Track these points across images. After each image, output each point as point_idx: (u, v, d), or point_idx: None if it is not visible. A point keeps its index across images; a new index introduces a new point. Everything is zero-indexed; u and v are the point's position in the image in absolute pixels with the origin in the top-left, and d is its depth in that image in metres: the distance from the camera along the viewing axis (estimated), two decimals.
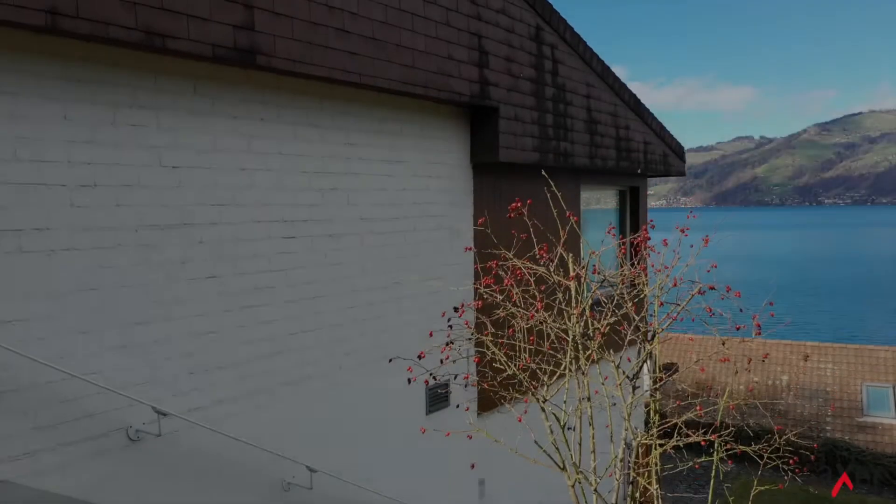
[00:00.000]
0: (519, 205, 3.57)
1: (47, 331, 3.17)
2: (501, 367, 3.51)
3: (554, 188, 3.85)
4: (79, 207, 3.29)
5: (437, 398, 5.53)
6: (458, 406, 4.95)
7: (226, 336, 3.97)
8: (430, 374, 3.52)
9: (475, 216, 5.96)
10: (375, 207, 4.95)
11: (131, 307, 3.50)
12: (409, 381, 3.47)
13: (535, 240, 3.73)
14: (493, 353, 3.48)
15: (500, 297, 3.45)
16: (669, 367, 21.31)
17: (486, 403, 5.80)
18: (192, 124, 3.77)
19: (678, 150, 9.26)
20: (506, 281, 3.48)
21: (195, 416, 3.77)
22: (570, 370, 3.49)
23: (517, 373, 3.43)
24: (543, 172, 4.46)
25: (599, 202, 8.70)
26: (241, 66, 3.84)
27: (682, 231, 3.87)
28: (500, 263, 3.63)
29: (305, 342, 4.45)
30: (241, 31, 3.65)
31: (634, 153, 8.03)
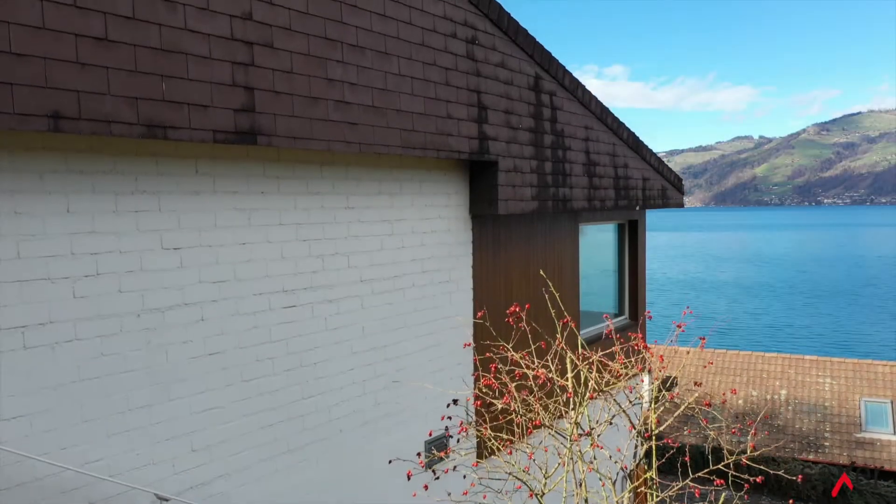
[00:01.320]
0: (517, 309, 3.60)
1: (49, 424, 3.21)
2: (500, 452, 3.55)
3: (551, 288, 3.86)
4: (82, 298, 3.33)
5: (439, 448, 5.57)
6: (455, 468, 4.98)
7: (227, 410, 4.00)
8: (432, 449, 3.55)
9: (474, 266, 5.99)
10: (375, 268, 4.99)
11: (133, 392, 3.54)
12: (407, 476, 3.50)
13: (531, 335, 3.76)
14: (493, 444, 3.51)
15: (499, 403, 3.49)
16: (668, 382, 21.37)
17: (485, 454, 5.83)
18: (194, 204, 3.80)
19: (676, 183, 9.30)
20: (505, 399, 3.51)
21: (197, 492, 3.81)
22: (565, 464, 3.52)
23: (518, 469, 3.47)
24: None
25: (599, 234, 8.74)
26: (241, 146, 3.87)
27: (679, 327, 3.89)
28: (499, 355, 3.66)
29: (306, 408, 4.49)
30: (242, 113, 3.68)
31: (633, 190, 8.07)
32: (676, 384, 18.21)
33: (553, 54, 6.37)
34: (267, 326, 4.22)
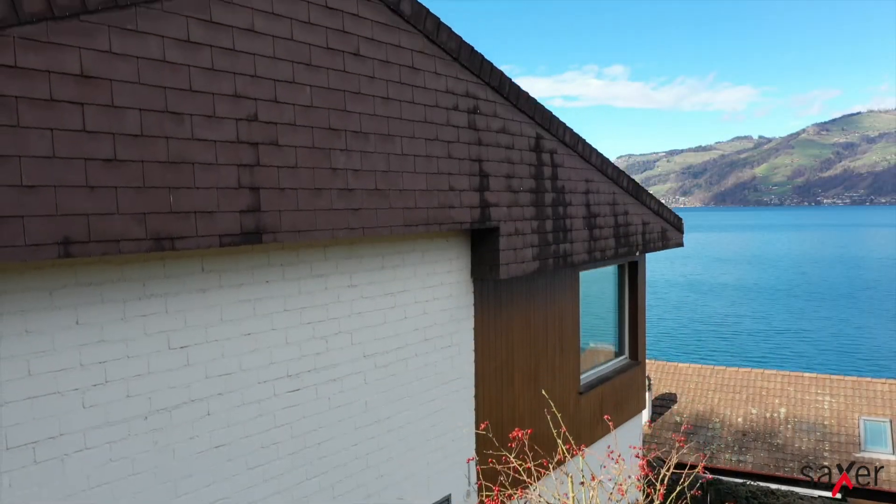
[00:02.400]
0: (519, 434, 3.64)
1: None
2: None
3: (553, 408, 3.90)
4: (91, 407, 3.38)
5: None
6: None
7: (233, 500, 4.05)
8: None
9: (476, 328, 6.05)
10: (377, 342, 5.04)
11: (141, 493, 3.58)
12: None
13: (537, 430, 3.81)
14: None
15: None
16: (667, 398, 21.42)
17: None
18: (200, 302, 3.85)
19: (676, 224, 9.35)
20: None
21: None
22: None
23: None
24: None
25: (599, 273, 8.78)
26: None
27: (681, 442, 3.93)
28: (504, 468, 3.71)
29: (310, 488, 4.54)
30: (248, 214, 3.73)
31: (633, 236, 8.12)
32: (676, 401, 18.37)
33: (553, 113, 6.43)
34: (272, 413, 4.27)
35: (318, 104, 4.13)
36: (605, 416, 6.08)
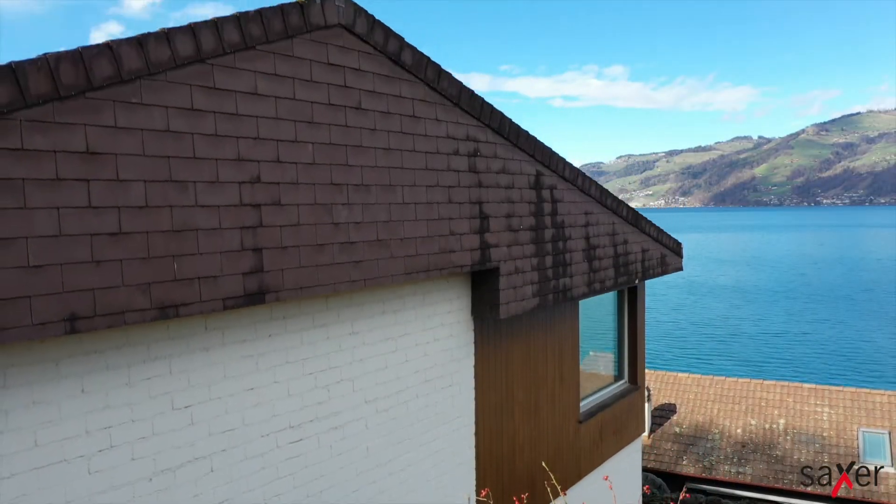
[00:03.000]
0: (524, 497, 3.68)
1: None
2: None
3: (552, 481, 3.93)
4: (96, 472, 3.41)
5: None
6: None
7: None
8: None
9: (476, 365, 6.09)
10: (379, 386, 5.08)
11: None
12: None
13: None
14: None
15: None
16: (667, 409, 21.46)
17: None
18: (204, 361, 3.89)
19: (676, 248, 9.39)
20: None
21: None
22: None
23: None
24: None
25: (598, 302, 8.82)
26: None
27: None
28: None
29: None
30: (251, 275, 3.77)
31: (632, 264, 8.16)
32: (675, 411, 18.48)
33: (553, 150, 6.47)
34: (274, 465, 4.31)
35: (320, 161, 4.17)
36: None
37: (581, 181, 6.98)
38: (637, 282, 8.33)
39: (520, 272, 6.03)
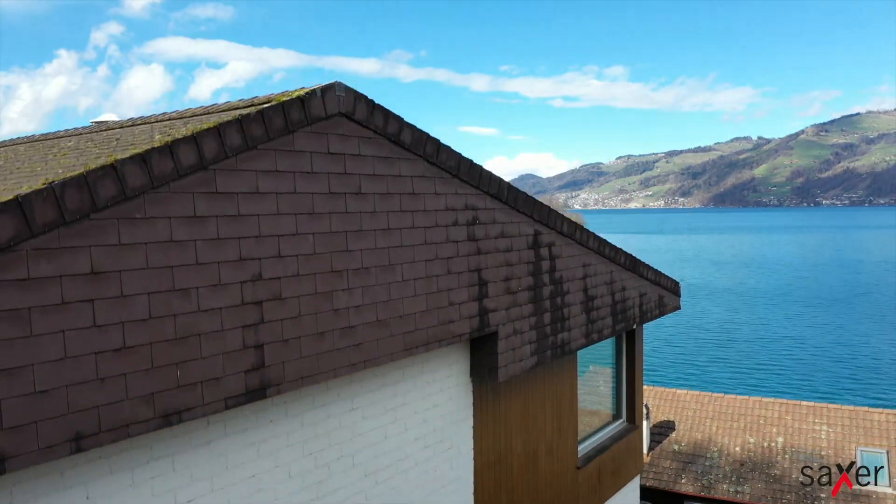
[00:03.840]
0: None
1: None
2: None
3: None
4: None
5: None
6: None
7: None
8: None
9: (475, 426, 6.14)
10: (379, 458, 5.13)
11: None
12: None
13: None
14: None
15: None
16: (666, 426, 21.52)
17: None
18: (206, 454, 3.94)
19: (674, 288, 9.45)
20: None
21: None
22: None
23: None
24: None
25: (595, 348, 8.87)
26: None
27: None
28: None
29: None
30: (252, 373, 3.82)
31: (630, 310, 8.22)
32: (675, 429, 18.54)
33: (551, 208, 6.51)
34: None
35: (320, 250, 4.22)
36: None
37: (579, 234, 7.03)
38: (635, 326, 8.38)
39: (518, 333, 6.08)
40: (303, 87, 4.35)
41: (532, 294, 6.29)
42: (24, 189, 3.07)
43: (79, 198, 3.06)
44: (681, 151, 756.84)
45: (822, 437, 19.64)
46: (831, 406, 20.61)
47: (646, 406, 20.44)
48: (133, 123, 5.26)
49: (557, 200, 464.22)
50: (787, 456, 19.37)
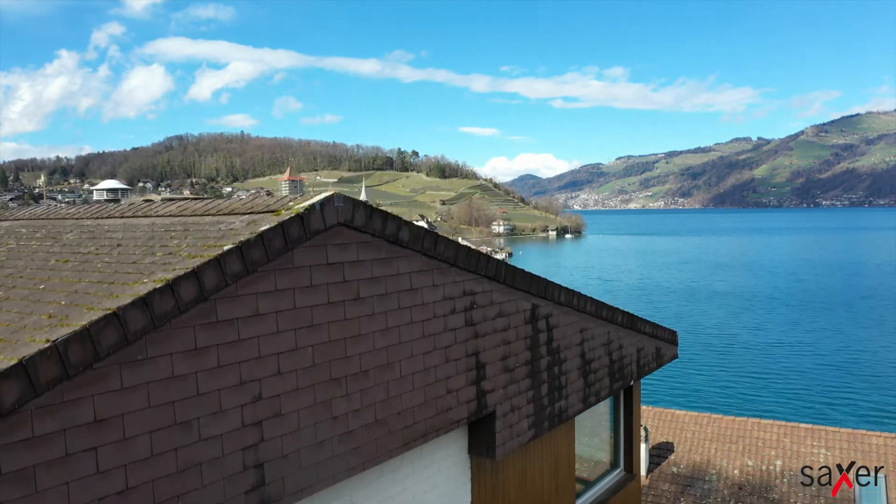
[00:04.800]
0: None
1: None
2: None
3: None
4: None
5: None
6: None
7: None
8: None
9: (473, 500, 6.19)
10: None
11: None
12: None
13: None
14: None
15: None
16: (665, 448, 21.57)
17: None
18: None
19: (671, 338, 9.50)
20: None
21: None
22: None
23: None
24: None
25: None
26: None
27: None
28: None
29: None
30: (253, 493, 3.87)
31: (628, 367, 8.27)
32: (673, 450, 18.50)
33: (549, 280, 6.57)
34: None
35: (319, 361, 4.28)
36: None
37: (576, 301, 7.09)
38: (633, 382, 8.44)
39: (516, 409, 6.14)
40: (304, 196, 4.42)
41: (529, 368, 6.34)
42: (27, 339, 3.13)
43: (81, 351, 3.11)
44: (681, 152, 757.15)
45: (821, 459, 19.67)
46: (829, 429, 20.65)
47: (644, 428, 20.48)
48: (134, 214, 5.30)
49: (557, 201, 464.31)
50: (785, 480, 19.42)
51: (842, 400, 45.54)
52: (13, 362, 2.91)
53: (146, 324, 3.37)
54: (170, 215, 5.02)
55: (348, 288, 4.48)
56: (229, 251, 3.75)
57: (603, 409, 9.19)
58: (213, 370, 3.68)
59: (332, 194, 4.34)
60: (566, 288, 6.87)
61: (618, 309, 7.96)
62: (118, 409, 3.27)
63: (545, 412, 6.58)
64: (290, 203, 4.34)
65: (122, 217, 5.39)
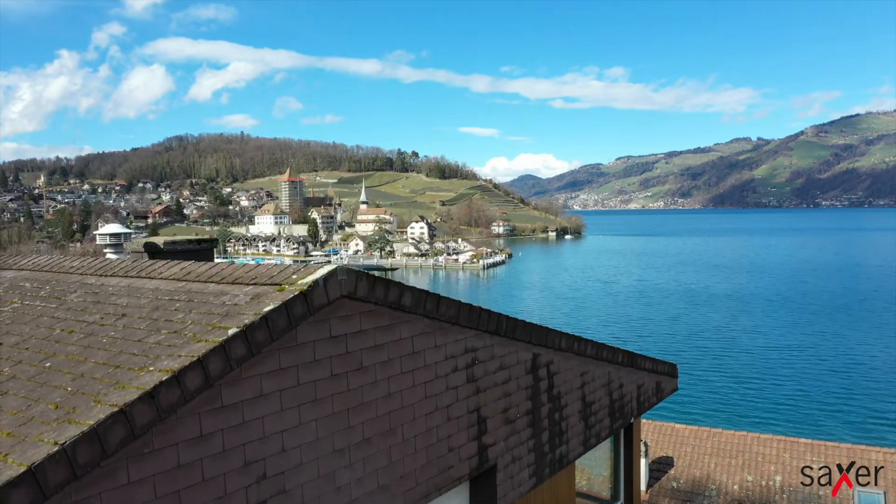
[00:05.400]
0: None
1: None
2: None
3: None
4: None
5: None
6: None
7: None
8: None
9: None
10: None
11: None
12: None
13: None
14: None
15: None
16: (664, 462, 21.61)
17: None
18: None
19: (671, 371, 9.54)
20: None
21: None
22: None
23: None
24: None
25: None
26: None
27: None
28: None
29: None
30: None
31: (628, 405, 8.31)
32: (673, 465, 18.52)
33: (549, 329, 6.60)
34: None
35: (322, 434, 4.31)
36: None
37: (577, 346, 7.13)
38: (632, 420, 8.48)
39: (516, 460, 6.18)
40: (309, 268, 4.45)
41: (530, 417, 6.38)
42: (35, 436, 3.17)
43: (90, 452, 3.14)
44: (681, 152, 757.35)
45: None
46: (829, 444, 20.70)
47: (644, 443, 20.54)
48: (138, 275, 5.34)
49: (557, 202, 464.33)
50: (784, 496, 19.47)
51: (841, 406, 45.59)
52: (22, 469, 2.94)
53: (153, 417, 3.41)
54: (174, 279, 5.05)
55: (351, 359, 4.51)
56: (234, 336, 3.79)
57: (604, 444, 9.23)
58: (217, 455, 3.72)
59: (335, 268, 4.37)
60: (567, 334, 6.90)
61: (618, 349, 8.00)
62: (125, 503, 3.30)
63: (546, 459, 6.61)
64: (294, 276, 4.37)
65: (125, 276, 5.42)
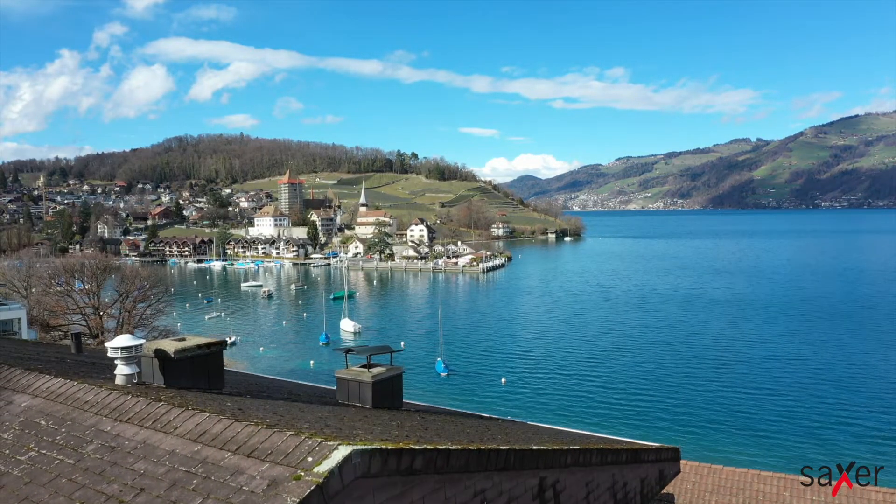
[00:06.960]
0: None
1: None
2: None
3: None
4: None
5: None
6: None
7: None
8: None
9: None
10: None
11: None
12: None
13: None
14: None
15: None
16: (665, 500, 21.72)
17: None
18: None
19: (674, 456, 9.64)
20: None
21: None
22: None
23: None
24: None
25: None
26: None
27: None
28: None
29: None
30: None
31: (632, 501, 8.40)
32: (673, 502, 18.51)
33: (557, 449, 6.69)
34: None
35: None
36: None
37: (582, 458, 7.22)
38: None
39: None
40: (323, 447, 4.52)
41: None
42: None
43: None
44: (680, 153, 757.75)
45: None
46: (830, 485, 20.77)
47: None
48: (153, 427, 5.42)
49: (556, 203, 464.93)
50: None
51: (842, 417, 45.70)
52: None
53: None
54: (189, 438, 5.13)
55: None
56: None
57: None
58: None
59: (350, 452, 4.45)
60: (572, 449, 7.00)
61: (622, 448, 8.09)
62: None
63: None
64: (309, 458, 4.45)
65: (141, 426, 5.51)
